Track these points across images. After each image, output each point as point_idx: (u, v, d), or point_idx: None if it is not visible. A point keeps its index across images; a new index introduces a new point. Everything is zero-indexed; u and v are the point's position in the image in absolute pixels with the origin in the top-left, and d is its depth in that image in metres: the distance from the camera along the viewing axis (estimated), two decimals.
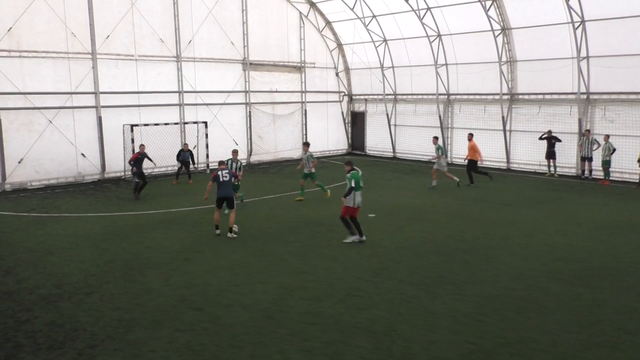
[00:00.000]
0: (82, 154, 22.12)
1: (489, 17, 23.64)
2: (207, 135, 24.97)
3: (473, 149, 21.09)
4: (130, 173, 22.67)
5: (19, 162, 20.68)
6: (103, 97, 22.51)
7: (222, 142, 26.47)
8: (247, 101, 27.77)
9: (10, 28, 19.99)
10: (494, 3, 23.35)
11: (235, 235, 13.62)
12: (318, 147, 31.21)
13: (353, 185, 12.64)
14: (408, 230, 14.24)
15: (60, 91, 21.45)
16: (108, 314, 8.86)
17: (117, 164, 23.10)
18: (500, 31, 23.96)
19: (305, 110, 30.56)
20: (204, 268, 11.23)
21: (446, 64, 26.95)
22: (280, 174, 24.62)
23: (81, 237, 13.73)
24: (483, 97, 25.93)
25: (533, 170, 24.19)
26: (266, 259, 11.85)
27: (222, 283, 10.31)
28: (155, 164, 22.18)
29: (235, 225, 13.83)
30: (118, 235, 13.88)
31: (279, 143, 29.26)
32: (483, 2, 23.41)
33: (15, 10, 20.08)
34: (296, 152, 30.02)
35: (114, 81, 22.92)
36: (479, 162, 21.28)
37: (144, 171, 19.16)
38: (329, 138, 32.13)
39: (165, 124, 23.87)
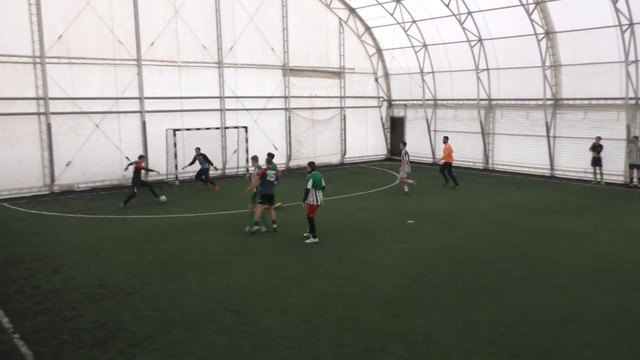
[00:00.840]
0: (127, 158, 22.67)
1: (532, 21, 23.14)
2: (247, 140, 25.26)
3: (448, 152, 21.91)
4: (172, 178, 23.22)
5: (67, 165, 21.40)
6: (147, 102, 23.10)
7: (261, 147, 26.63)
8: (287, 106, 27.99)
9: (61, 36, 20.75)
10: (538, 7, 22.85)
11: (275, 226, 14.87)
12: (357, 152, 31.20)
13: (309, 186, 13.42)
14: (446, 237, 14.03)
15: (107, 96, 22.12)
16: (149, 314, 9.04)
17: (160, 168, 23.60)
18: (544, 35, 23.42)
19: (345, 116, 30.57)
20: (242, 271, 11.34)
21: (487, 69, 26.52)
22: None
23: (124, 239, 14.09)
24: (526, 102, 25.37)
25: (578, 178, 23.48)
26: (303, 263, 11.88)
27: (260, 286, 10.38)
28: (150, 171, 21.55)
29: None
30: (159, 237, 14.18)
31: (317, 148, 29.34)
32: (526, 6, 22.95)
33: (65, 19, 20.84)
34: (335, 158, 30.07)
35: (158, 87, 23.49)
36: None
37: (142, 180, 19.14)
38: (368, 143, 32.03)
39: (207, 128, 24.26)
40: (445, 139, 22.49)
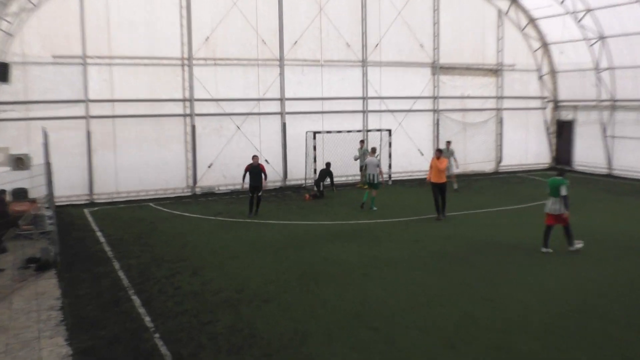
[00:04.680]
0: (266, 161, 23.91)
1: None
2: (390, 144, 25.35)
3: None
4: (310, 182, 23.96)
5: (209, 167, 23.12)
6: (288, 103, 24.21)
7: (405, 151, 26.66)
8: (435, 108, 27.64)
9: (208, 37, 22.54)
10: None
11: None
12: (515, 160, 29.84)
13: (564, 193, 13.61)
14: (625, 262, 12.86)
15: (249, 97, 23.56)
16: (284, 324, 9.44)
17: (299, 171, 24.54)
18: None
19: (501, 118, 29.41)
20: (381, 285, 11.39)
21: None
22: (469, 189, 24.00)
23: (262, 244, 14.86)
24: None
25: None
26: (448, 281, 11.63)
27: (400, 303, 10.35)
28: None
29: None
30: (297, 244, 14.75)
31: (468, 154, 28.53)
32: None
33: (212, 21, 22.59)
34: (489, 165, 29.05)
35: (299, 87, 24.50)
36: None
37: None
38: (528, 150, 30.48)
39: (348, 131, 24.75)
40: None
